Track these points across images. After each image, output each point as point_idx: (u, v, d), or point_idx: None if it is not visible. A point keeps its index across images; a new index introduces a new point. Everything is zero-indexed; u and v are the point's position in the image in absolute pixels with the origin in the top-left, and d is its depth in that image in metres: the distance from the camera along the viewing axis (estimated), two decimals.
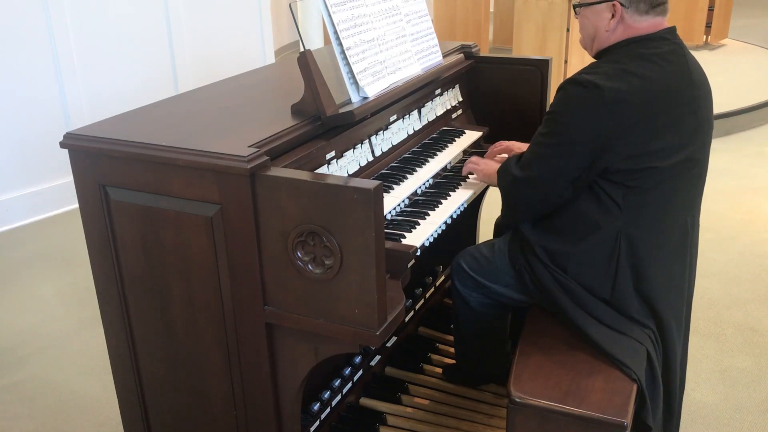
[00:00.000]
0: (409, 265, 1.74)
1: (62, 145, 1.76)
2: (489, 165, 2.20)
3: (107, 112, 2.19)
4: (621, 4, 1.81)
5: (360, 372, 2.31)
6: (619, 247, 1.82)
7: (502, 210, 2.05)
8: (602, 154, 1.75)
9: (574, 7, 1.96)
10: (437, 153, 2.32)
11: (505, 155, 2.33)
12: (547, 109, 1.90)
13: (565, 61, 5.77)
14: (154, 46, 4.76)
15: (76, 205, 1.87)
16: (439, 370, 2.53)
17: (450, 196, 2.14)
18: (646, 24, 1.83)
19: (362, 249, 1.46)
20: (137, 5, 4.59)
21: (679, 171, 1.81)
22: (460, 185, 2.22)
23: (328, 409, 2.13)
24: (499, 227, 2.19)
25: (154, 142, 1.66)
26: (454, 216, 2.06)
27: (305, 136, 1.78)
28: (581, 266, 1.86)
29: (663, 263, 1.86)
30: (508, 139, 2.41)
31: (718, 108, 5.62)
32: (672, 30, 1.85)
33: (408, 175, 2.13)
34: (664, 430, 2.04)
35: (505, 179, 1.96)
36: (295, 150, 1.73)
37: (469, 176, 2.24)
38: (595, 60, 1.93)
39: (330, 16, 1.88)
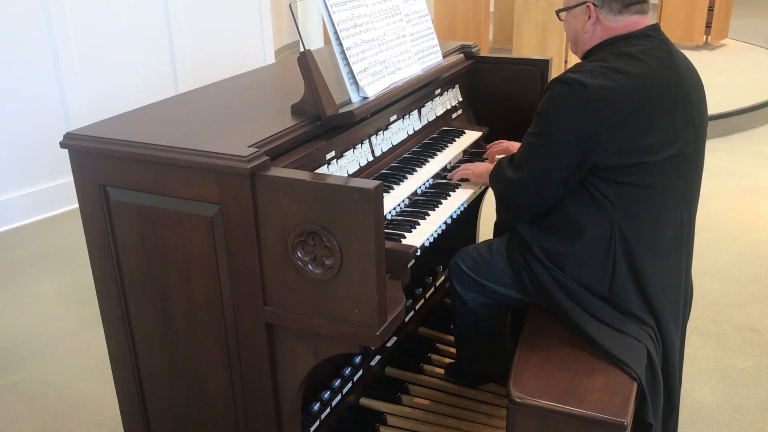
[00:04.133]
0: (409, 265, 1.74)
1: (62, 145, 1.76)
2: (479, 166, 2.21)
3: (107, 112, 2.19)
4: (594, 5, 1.85)
5: (360, 372, 2.31)
6: (615, 242, 1.82)
7: (498, 211, 2.06)
8: (590, 151, 1.76)
9: (557, 12, 2.01)
10: (437, 153, 2.32)
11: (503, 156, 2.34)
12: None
13: (565, 61, 5.77)
14: (154, 46, 4.76)
15: (76, 205, 1.87)
16: (440, 370, 2.53)
17: (450, 196, 2.14)
18: (623, 23, 1.85)
19: (362, 249, 1.46)
20: (137, 5, 4.59)
21: (670, 166, 1.81)
22: (460, 185, 2.22)
23: (328, 409, 2.13)
24: (499, 228, 2.19)
25: (154, 142, 1.66)
26: (454, 216, 2.06)
27: (305, 136, 1.78)
28: (579, 264, 1.86)
29: (658, 258, 1.86)
30: (508, 139, 2.41)
31: (718, 108, 5.64)
32: (656, 27, 1.87)
33: (408, 175, 2.13)
34: (664, 426, 2.05)
35: (499, 181, 1.97)
36: (295, 150, 1.73)
37: (454, 190, 2.20)
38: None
39: (330, 16, 1.88)
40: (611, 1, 1.84)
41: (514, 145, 2.36)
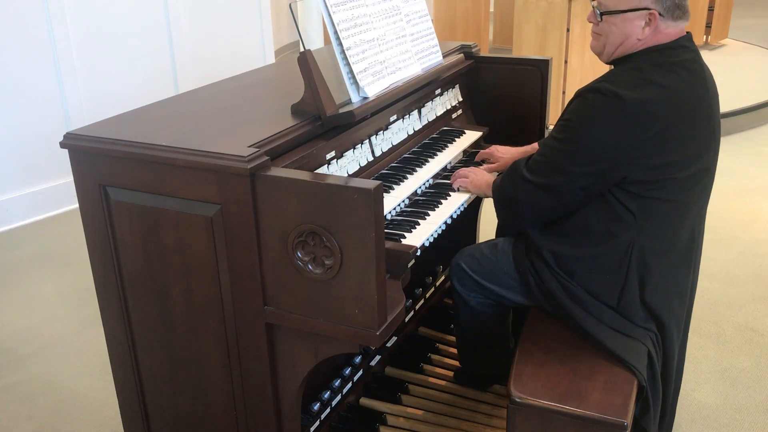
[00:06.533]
0: (409, 265, 1.74)
1: (62, 145, 1.76)
2: (479, 176, 2.16)
3: (107, 112, 2.19)
4: (659, 14, 1.76)
5: (360, 372, 2.31)
6: (631, 255, 1.81)
7: (504, 218, 2.00)
8: (620, 163, 1.73)
9: (601, 14, 1.86)
10: (437, 153, 2.31)
11: (491, 163, 2.33)
12: (561, 114, 1.86)
13: (565, 61, 5.76)
14: (154, 46, 4.76)
15: (76, 205, 1.87)
16: (440, 370, 2.53)
17: (450, 196, 2.13)
18: (675, 30, 1.80)
19: (362, 249, 1.46)
20: (137, 5, 4.59)
21: (694, 181, 1.80)
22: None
23: (328, 409, 2.13)
24: (503, 231, 2.16)
25: (154, 142, 1.66)
26: (455, 216, 2.06)
27: (305, 136, 1.78)
28: (590, 272, 1.85)
29: (669, 270, 1.85)
30: (508, 140, 2.41)
31: None
32: (689, 37, 1.83)
33: (408, 175, 2.13)
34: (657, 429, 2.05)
35: (515, 184, 1.91)
36: (295, 150, 1.73)
37: (460, 189, 2.17)
38: (611, 66, 1.89)
39: (330, 16, 1.88)
40: (674, 9, 1.77)
41: (498, 149, 2.34)
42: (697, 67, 1.80)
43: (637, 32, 1.79)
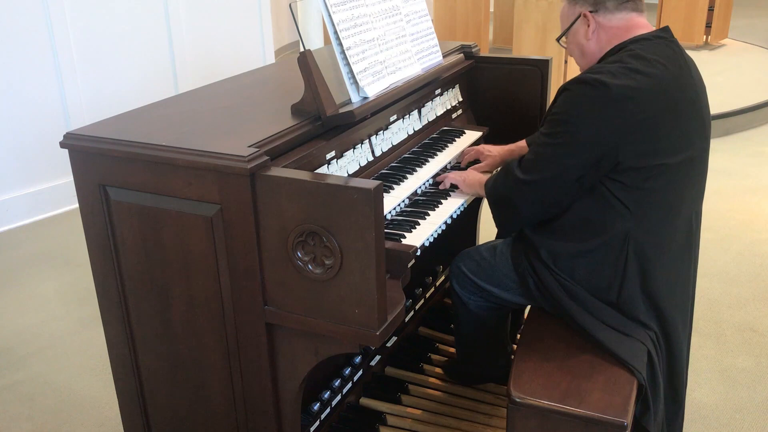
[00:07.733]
0: (409, 265, 1.74)
1: (62, 145, 1.76)
2: (471, 175, 2.15)
3: (107, 112, 2.19)
4: (590, 12, 1.86)
5: (360, 372, 2.31)
6: (627, 249, 1.81)
7: (500, 220, 1.99)
8: (612, 149, 1.73)
9: (558, 40, 2.02)
10: (437, 153, 2.32)
11: (481, 162, 2.33)
12: (548, 110, 1.88)
13: (565, 61, 5.77)
14: (154, 46, 4.76)
15: (76, 205, 1.87)
16: (440, 370, 2.53)
17: (450, 196, 2.14)
18: (622, 22, 1.86)
19: (362, 249, 1.46)
20: (137, 5, 4.59)
21: (685, 170, 1.80)
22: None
23: (328, 409, 2.13)
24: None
25: (154, 142, 1.66)
26: (455, 216, 2.06)
27: (305, 136, 1.78)
28: (588, 269, 1.85)
29: (669, 262, 1.85)
30: (508, 140, 2.41)
31: (718, 108, 5.64)
32: (667, 29, 1.87)
33: (408, 175, 2.13)
34: (669, 426, 2.04)
35: (509, 185, 1.91)
36: (295, 150, 1.73)
37: (453, 191, 2.16)
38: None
39: (330, 16, 1.88)
40: (605, 1, 1.85)
41: (485, 149, 2.34)
42: (679, 57, 1.82)
43: (585, 35, 1.91)
